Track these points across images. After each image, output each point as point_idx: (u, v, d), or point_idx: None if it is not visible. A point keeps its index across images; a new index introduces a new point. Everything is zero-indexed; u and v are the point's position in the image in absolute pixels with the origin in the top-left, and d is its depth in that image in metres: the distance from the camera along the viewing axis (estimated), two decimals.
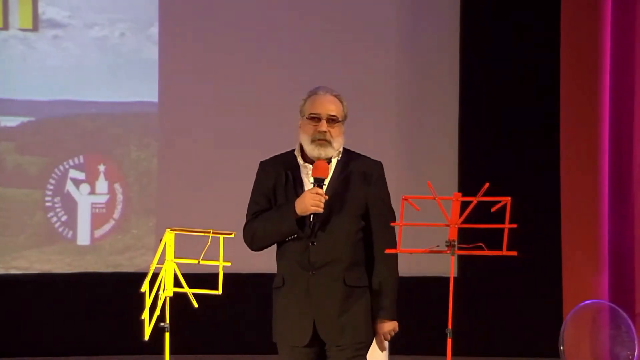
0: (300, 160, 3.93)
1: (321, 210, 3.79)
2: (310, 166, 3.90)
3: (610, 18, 6.63)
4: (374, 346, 3.91)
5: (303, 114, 3.97)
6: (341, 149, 3.97)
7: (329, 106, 3.95)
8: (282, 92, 7.23)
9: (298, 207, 3.81)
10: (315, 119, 3.92)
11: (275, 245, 3.94)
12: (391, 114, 7.29)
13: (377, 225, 3.91)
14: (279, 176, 3.93)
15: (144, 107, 7.33)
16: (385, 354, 3.90)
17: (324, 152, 3.90)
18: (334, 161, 3.94)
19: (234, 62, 7.29)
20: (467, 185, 6.87)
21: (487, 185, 3.58)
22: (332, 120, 3.93)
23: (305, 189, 3.88)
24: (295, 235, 3.84)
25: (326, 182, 3.87)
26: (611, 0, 6.64)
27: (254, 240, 3.91)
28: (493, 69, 7.23)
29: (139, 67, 7.30)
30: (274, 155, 4.04)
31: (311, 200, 3.78)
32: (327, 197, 3.81)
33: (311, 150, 3.90)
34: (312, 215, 3.80)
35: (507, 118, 7.23)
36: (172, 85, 7.30)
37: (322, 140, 3.90)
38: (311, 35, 7.33)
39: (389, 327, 3.91)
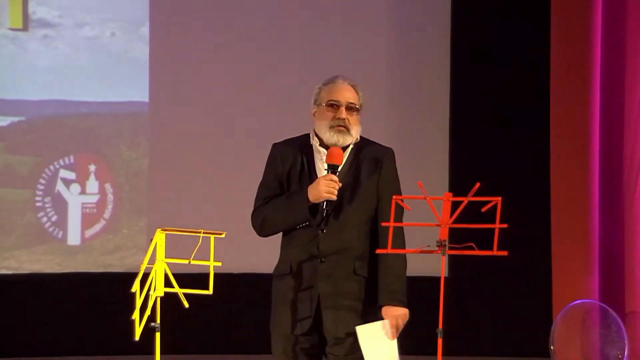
0: (317, 145, 3.90)
1: (335, 197, 3.78)
2: (324, 151, 3.88)
3: (601, 17, 6.64)
4: (382, 336, 3.81)
5: (319, 101, 3.94)
6: (358, 138, 3.95)
7: (348, 94, 3.95)
8: (274, 91, 7.23)
9: (311, 194, 3.78)
10: (334, 106, 3.91)
11: (280, 233, 3.91)
12: (381, 113, 7.29)
13: (384, 214, 3.90)
14: (294, 160, 3.89)
15: (134, 106, 7.32)
16: (395, 345, 3.81)
17: (342, 139, 3.88)
18: (349, 148, 3.91)
19: (225, 61, 7.29)
20: (457, 185, 6.88)
21: (477, 185, 3.58)
22: (350, 108, 3.92)
23: (319, 174, 3.86)
24: (307, 223, 3.82)
25: (339, 169, 3.85)
26: (602, 2, 6.65)
27: (264, 226, 3.87)
28: (484, 68, 7.24)
29: (129, 66, 7.29)
30: (287, 138, 4.00)
31: (325, 187, 3.76)
32: (340, 184, 3.79)
33: (330, 137, 3.88)
34: (325, 202, 3.79)
35: (498, 118, 7.24)
36: (163, 85, 7.29)
37: (341, 127, 3.88)
38: (303, 34, 7.32)
39: (401, 311, 3.82)
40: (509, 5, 7.21)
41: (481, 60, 7.24)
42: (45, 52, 7.28)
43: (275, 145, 3.98)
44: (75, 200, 7.32)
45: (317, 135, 3.91)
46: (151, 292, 3.41)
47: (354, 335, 3.80)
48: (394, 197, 3.61)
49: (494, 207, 3.58)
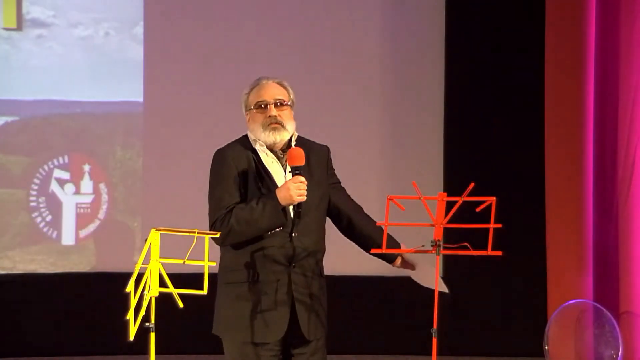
0: (263, 147, 3.86)
1: (305, 199, 3.77)
2: (272, 154, 3.85)
3: (595, 19, 6.65)
4: (426, 271, 3.83)
5: (249, 106, 3.92)
6: (296, 134, 3.93)
7: (274, 91, 3.90)
8: None
9: (282, 199, 3.73)
10: (263, 106, 3.89)
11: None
12: (375, 112, 7.30)
13: (343, 198, 3.93)
14: (248, 163, 3.84)
15: (129, 106, 7.32)
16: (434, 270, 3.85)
17: (279, 136, 3.84)
18: (293, 146, 3.87)
19: (220, 62, 7.29)
20: (452, 185, 6.89)
21: (472, 185, 3.59)
22: (280, 104, 3.89)
23: (276, 177, 3.84)
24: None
25: (289, 168, 3.83)
26: (596, 1, 6.66)
27: (230, 234, 3.76)
28: (479, 67, 7.24)
29: (123, 66, 7.29)
30: (228, 143, 3.94)
31: (296, 189, 3.72)
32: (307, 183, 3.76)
33: (266, 137, 3.83)
34: (296, 206, 3.78)
35: (493, 117, 7.25)
36: (157, 85, 7.29)
37: (274, 124, 3.84)
38: (298, 35, 7.32)
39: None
40: (504, 7, 7.21)
41: (476, 59, 7.25)
42: (39, 51, 7.28)
43: (221, 151, 3.91)
44: (70, 200, 7.32)
45: (257, 139, 3.86)
46: (146, 292, 3.41)
47: (323, 336, 3.85)
48: (388, 197, 3.60)
49: (489, 207, 3.59)
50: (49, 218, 7.30)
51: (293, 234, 3.79)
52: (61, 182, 7.31)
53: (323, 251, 3.88)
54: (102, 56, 7.29)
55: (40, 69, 7.26)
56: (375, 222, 3.89)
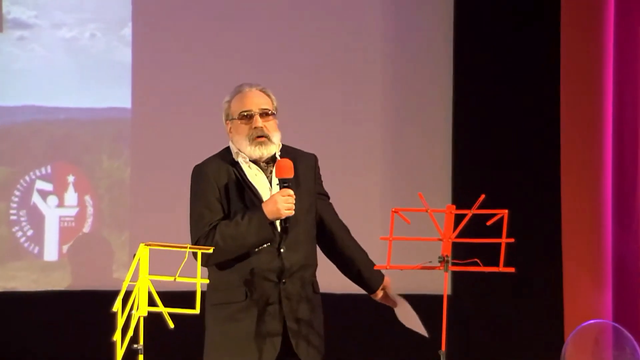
0: (245, 160, 3.87)
1: (293, 213, 3.77)
2: (255, 166, 3.87)
3: (613, 19, 6.67)
4: (406, 309, 3.88)
5: (231, 115, 3.93)
6: (280, 144, 3.93)
7: (259, 100, 3.93)
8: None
9: (269, 213, 3.76)
10: (247, 116, 3.89)
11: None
12: (379, 119, 7.30)
13: (329, 211, 3.95)
14: (228, 178, 3.86)
15: (116, 113, 7.33)
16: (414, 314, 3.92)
17: (266, 151, 3.87)
18: (278, 158, 3.90)
19: (213, 66, 7.30)
20: (461, 197, 6.89)
21: (482, 197, 3.60)
22: (265, 114, 3.90)
23: (261, 191, 3.85)
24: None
25: (276, 180, 3.83)
26: (614, 1, 6.67)
27: (215, 252, 3.76)
28: (489, 72, 7.24)
29: (110, 70, 7.30)
30: (207, 158, 3.98)
31: (284, 203, 3.75)
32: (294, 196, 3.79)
33: (251, 151, 3.86)
34: (283, 220, 3.78)
35: (505, 125, 7.25)
36: (147, 90, 7.30)
37: (260, 138, 3.86)
38: (296, 37, 7.33)
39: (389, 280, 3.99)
40: (517, 7, 7.22)
41: (487, 63, 7.25)
42: (21, 54, 7.29)
43: (199, 167, 3.94)
44: (53, 213, 7.33)
45: (241, 152, 3.88)
46: (134, 312, 3.42)
47: (320, 356, 3.87)
48: (393, 209, 3.62)
49: (500, 221, 3.60)
50: (30, 232, 7.30)
51: (281, 249, 3.80)
52: (43, 194, 7.32)
53: (314, 265, 3.90)
54: (87, 59, 7.30)
55: (21, 73, 7.27)
56: (360, 247, 3.95)
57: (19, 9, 7.32)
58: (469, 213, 3.59)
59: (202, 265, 3.81)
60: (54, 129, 7.35)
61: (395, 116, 7.35)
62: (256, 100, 3.91)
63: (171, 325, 3.46)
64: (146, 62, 7.31)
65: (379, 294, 4.01)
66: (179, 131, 7.29)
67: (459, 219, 3.62)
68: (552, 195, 6.96)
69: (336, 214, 4.03)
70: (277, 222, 3.79)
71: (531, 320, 7.19)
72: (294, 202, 3.76)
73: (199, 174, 3.91)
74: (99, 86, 7.29)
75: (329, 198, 4.04)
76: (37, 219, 7.30)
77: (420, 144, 7.33)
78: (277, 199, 3.75)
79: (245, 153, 3.86)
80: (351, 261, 3.94)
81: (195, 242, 3.86)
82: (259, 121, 3.86)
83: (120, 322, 3.36)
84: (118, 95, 7.30)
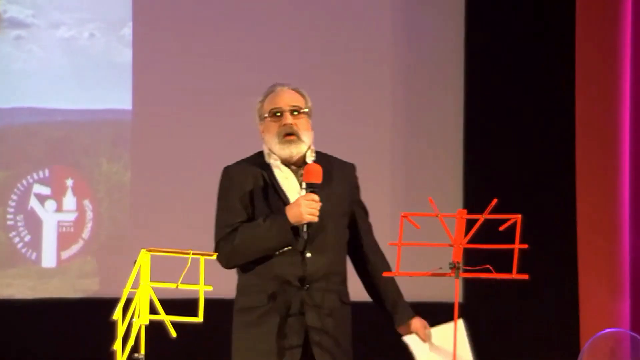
0: (277, 162, 3.90)
1: (316, 219, 3.79)
2: (287, 168, 3.89)
3: (630, 20, 6.67)
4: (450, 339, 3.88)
5: (262, 115, 3.96)
6: (313, 147, 3.95)
7: (290, 97, 3.96)
8: None
9: (291, 216, 3.79)
10: (277, 114, 3.92)
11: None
12: (386, 120, 7.30)
13: (364, 227, 3.95)
14: (255, 181, 3.90)
15: (116, 114, 7.34)
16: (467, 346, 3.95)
17: (295, 150, 3.89)
18: (310, 162, 3.92)
19: (216, 66, 7.31)
20: (473, 202, 6.89)
21: (495, 201, 3.60)
22: (295, 111, 3.92)
23: (288, 194, 3.87)
24: (287, 248, 3.83)
25: (304, 185, 3.85)
26: (631, 2, 6.67)
27: (234, 254, 3.84)
28: (501, 71, 7.24)
29: (110, 71, 7.32)
30: (238, 160, 4.01)
31: (307, 208, 3.77)
32: (321, 204, 3.80)
33: (280, 150, 3.88)
34: (306, 225, 3.80)
35: (518, 126, 7.24)
36: (148, 91, 7.31)
37: (289, 136, 3.88)
38: (301, 37, 7.34)
39: (422, 321, 3.99)
40: (531, 8, 7.21)
41: (499, 61, 7.25)
42: (18, 54, 7.31)
43: (229, 168, 3.98)
44: (51, 218, 7.34)
45: (272, 151, 3.91)
46: (134, 320, 3.42)
47: None
48: (402, 214, 3.63)
49: (513, 226, 3.60)
50: (27, 238, 7.32)
51: (307, 254, 3.82)
52: (41, 198, 7.33)
53: (341, 273, 3.91)
54: (86, 60, 7.32)
55: (18, 74, 7.29)
56: (393, 280, 3.94)
57: (15, 7, 7.34)
58: (481, 218, 3.59)
59: (224, 267, 3.88)
60: (52, 132, 7.36)
61: (405, 119, 7.35)
62: (287, 98, 3.95)
63: (173, 334, 3.47)
64: (147, 62, 7.32)
65: (402, 330, 4.01)
66: (181, 133, 7.29)
67: (470, 224, 3.62)
68: (567, 200, 6.95)
69: (371, 233, 4.03)
70: (302, 227, 3.81)
71: (545, 329, 7.18)
72: (319, 207, 3.77)
73: (225, 176, 3.96)
74: (98, 87, 7.31)
75: (367, 214, 4.04)
76: (34, 224, 7.31)
77: (431, 147, 7.33)
78: (300, 203, 3.78)
79: (275, 152, 3.89)
80: (377, 290, 3.97)
81: (217, 243, 3.89)
82: (288, 118, 3.89)
83: (121, 330, 3.37)
84: (118, 96, 7.31)
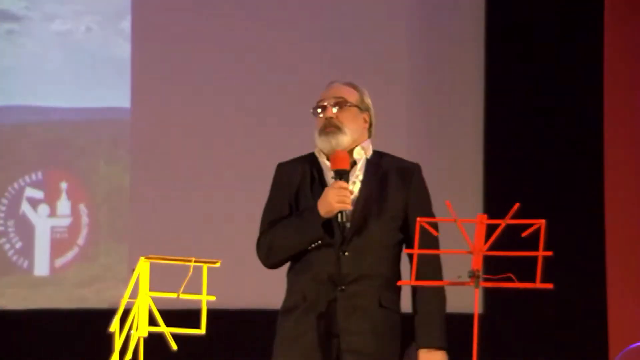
0: (324, 160, 3.94)
1: (349, 207, 3.80)
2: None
3: None
4: None
5: (313, 112, 4.01)
6: (368, 145, 3.97)
7: (336, 91, 3.99)
8: (276, 95, 7.24)
9: (322, 208, 3.81)
10: (322, 108, 3.95)
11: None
12: (404, 122, 7.30)
13: (421, 238, 3.94)
14: (303, 178, 3.95)
15: (114, 113, 7.35)
16: None
17: (334, 141, 3.91)
18: (363, 159, 3.95)
19: (218, 61, 7.31)
20: (494, 206, 6.89)
21: (517, 205, 3.59)
22: (339, 103, 3.95)
23: None
24: (320, 242, 3.84)
25: (357, 182, 3.89)
26: None
27: (271, 252, 3.90)
28: (524, 69, 7.24)
29: (108, 67, 7.33)
30: (292, 157, 4.05)
31: (335, 196, 3.79)
32: (353, 191, 3.83)
33: (321, 143, 3.94)
34: (340, 215, 3.80)
35: (542, 127, 7.24)
36: (147, 89, 7.32)
37: (329, 128, 3.91)
38: (310, 33, 7.34)
39: (440, 357, 3.91)
40: (556, 6, 7.20)
41: (522, 60, 7.24)
42: (10, 49, 7.32)
43: (280, 165, 4.04)
44: (44, 224, 7.35)
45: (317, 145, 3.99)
46: (133, 332, 3.42)
47: None
48: (418, 219, 3.62)
49: (537, 232, 3.59)
50: (19, 245, 7.32)
51: (345, 252, 3.82)
52: (34, 203, 7.34)
53: (384, 276, 3.89)
54: (83, 55, 7.33)
55: (9, 70, 7.30)
56: (427, 305, 3.92)
57: None
58: (502, 223, 3.58)
59: (265, 266, 3.95)
60: (46, 132, 7.37)
61: (423, 119, 7.35)
62: (333, 92, 3.99)
63: (174, 347, 3.47)
64: (147, 58, 7.32)
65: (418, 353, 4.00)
66: (182, 134, 7.30)
67: (491, 229, 3.61)
68: (594, 204, 6.93)
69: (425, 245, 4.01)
70: (347, 224, 3.81)
71: (571, 341, 7.17)
72: (348, 195, 3.78)
73: (276, 174, 4.03)
74: (95, 84, 7.32)
75: (425, 211, 4.00)
76: (26, 230, 7.32)
77: (450, 149, 7.32)
78: (328, 193, 3.80)
79: (318, 146, 3.94)
80: (413, 300, 3.96)
81: (257, 241, 3.95)
82: (330, 111, 3.92)
83: (118, 343, 3.37)
84: (116, 94, 7.32)
